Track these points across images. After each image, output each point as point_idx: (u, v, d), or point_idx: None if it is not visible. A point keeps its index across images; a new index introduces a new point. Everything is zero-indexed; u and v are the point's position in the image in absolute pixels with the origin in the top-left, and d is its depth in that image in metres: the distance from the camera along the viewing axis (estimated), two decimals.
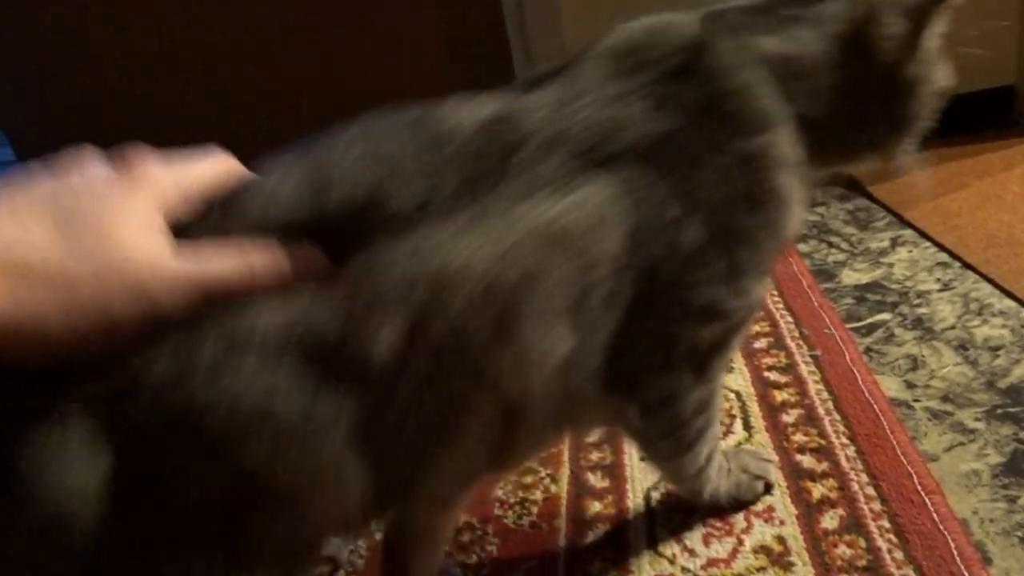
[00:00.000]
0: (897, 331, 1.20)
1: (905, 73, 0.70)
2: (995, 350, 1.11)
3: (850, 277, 1.39)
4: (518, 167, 0.56)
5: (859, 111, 0.70)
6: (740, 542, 0.85)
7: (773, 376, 1.12)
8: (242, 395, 0.49)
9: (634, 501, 0.93)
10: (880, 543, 0.82)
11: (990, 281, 1.29)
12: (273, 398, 0.50)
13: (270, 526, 0.54)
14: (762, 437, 1.00)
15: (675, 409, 0.72)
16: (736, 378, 1.12)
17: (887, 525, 0.84)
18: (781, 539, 0.84)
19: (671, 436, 0.75)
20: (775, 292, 1.34)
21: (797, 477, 0.92)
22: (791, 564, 0.81)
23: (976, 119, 1.89)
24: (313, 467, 0.53)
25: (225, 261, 0.50)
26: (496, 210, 0.54)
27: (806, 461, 0.94)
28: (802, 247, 1.53)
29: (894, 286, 1.34)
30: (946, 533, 0.81)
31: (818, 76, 0.67)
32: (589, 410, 0.70)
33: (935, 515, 0.84)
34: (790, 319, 1.25)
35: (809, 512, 0.87)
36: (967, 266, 1.35)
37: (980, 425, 0.97)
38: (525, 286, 0.55)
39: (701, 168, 0.61)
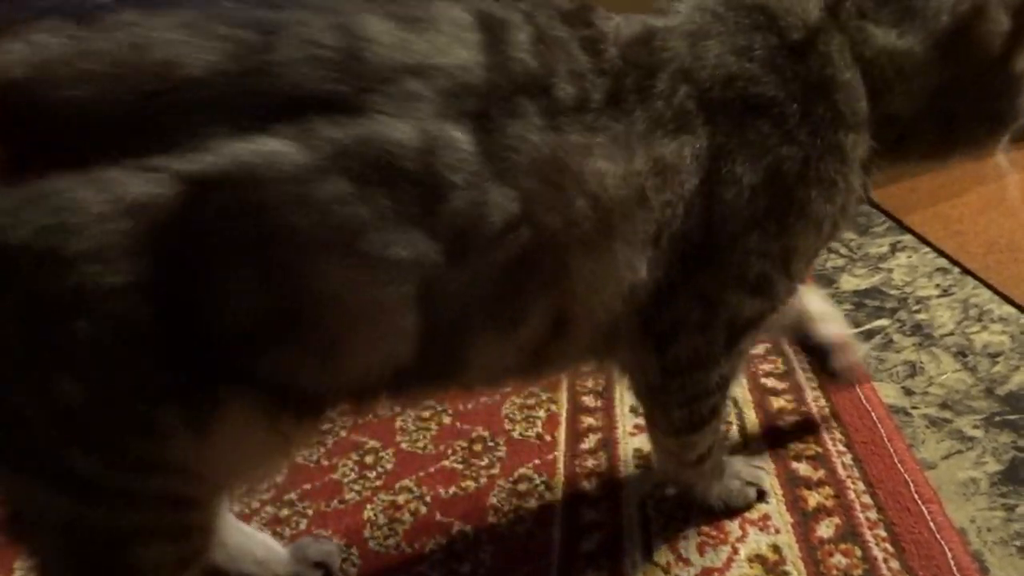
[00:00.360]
0: (896, 337, 1.20)
1: (1014, 68, 0.71)
2: (994, 357, 1.11)
3: (849, 283, 1.39)
4: (651, 95, 0.61)
5: (954, 109, 0.71)
6: (735, 551, 0.84)
7: (770, 383, 1.11)
8: (335, 214, 0.52)
9: (629, 509, 0.92)
10: (876, 552, 0.81)
11: (990, 287, 1.28)
12: (366, 226, 0.52)
13: (304, 358, 0.56)
14: (758, 443, 0.99)
15: (699, 376, 0.74)
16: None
17: (883, 534, 0.83)
18: (776, 548, 0.83)
19: (687, 406, 0.76)
20: None
21: (793, 485, 0.91)
22: (786, 573, 0.80)
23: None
24: (377, 305, 0.55)
25: None
26: (630, 133, 0.60)
27: (802, 469, 0.94)
28: None
29: (893, 292, 1.33)
30: (943, 542, 0.80)
31: (918, 75, 0.69)
32: (618, 349, 0.72)
33: (932, 524, 0.83)
34: None
35: (805, 520, 0.86)
36: (967, 272, 1.35)
37: (979, 433, 0.96)
38: (629, 209, 0.60)
39: (790, 143, 0.64)
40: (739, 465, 0.91)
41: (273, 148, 0.50)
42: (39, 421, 0.52)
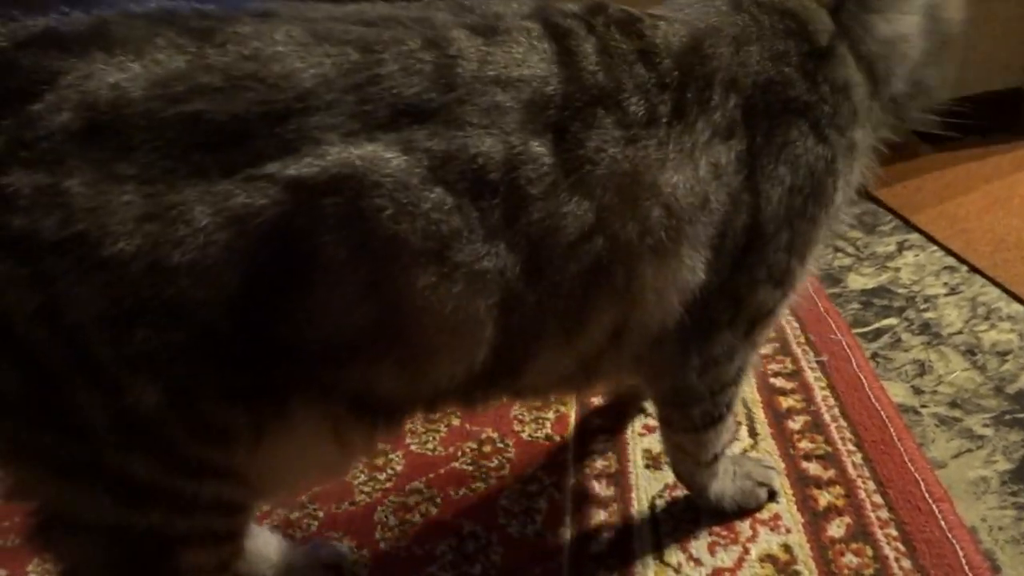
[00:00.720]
0: (904, 336, 1.20)
1: (952, 42, 0.76)
2: (1003, 355, 1.11)
3: (856, 282, 1.39)
4: (709, 107, 0.63)
5: (924, 81, 0.77)
6: (746, 551, 0.84)
7: (779, 382, 1.11)
8: (435, 223, 0.54)
9: (639, 510, 0.92)
10: (887, 551, 0.81)
11: (998, 285, 1.28)
12: (458, 236, 0.54)
13: (390, 369, 0.58)
14: (768, 444, 0.99)
15: (724, 369, 0.76)
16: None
17: (894, 533, 0.83)
18: (787, 547, 0.83)
19: (711, 399, 0.78)
20: None
21: (803, 484, 0.91)
22: (797, 573, 0.80)
23: (984, 122, 1.88)
24: (465, 315, 0.56)
25: None
26: (695, 144, 0.62)
27: (812, 468, 0.94)
28: None
29: (901, 291, 1.33)
30: (954, 541, 0.81)
31: (913, 53, 0.74)
32: (656, 357, 0.73)
33: (943, 523, 0.83)
34: (796, 324, 1.24)
35: (815, 520, 0.86)
36: (975, 270, 1.35)
37: (988, 431, 0.96)
38: (695, 214, 0.63)
39: (823, 143, 0.68)
40: (749, 466, 0.91)
41: (380, 154, 0.53)
42: (104, 426, 0.53)
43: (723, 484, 0.87)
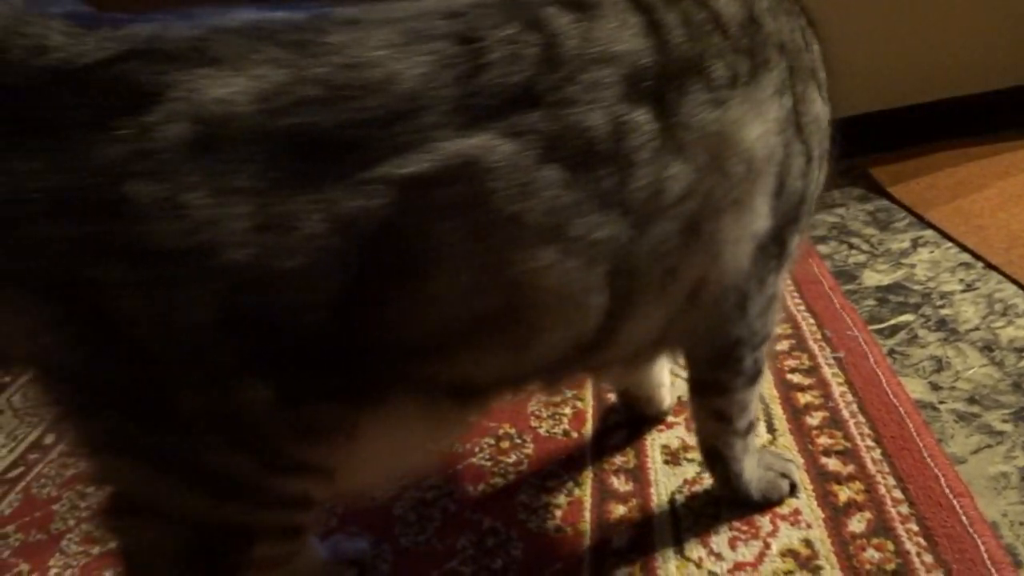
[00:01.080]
0: (920, 332, 1.19)
1: None
2: (1021, 351, 1.10)
3: (871, 278, 1.39)
4: (770, 68, 0.68)
5: None
6: (767, 545, 0.84)
7: (796, 379, 1.11)
8: (550, 201, 0.56)
9: (658, 505, 0.92)
10: (909, 546, 0.81)
11: (1014, 282, 1.28)
12: (575, 211, 0.57)
13: (496, 354, 0.60)
14: (786, 440, 1.00)
15: (772, 315, 0.80)
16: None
17: (915, 528, 0.83)
18: (808, 542, 0.84)
19: (755, 352, 0.80)
20: (795, 293, 1.33)
21: (823, 480, 0.92)
22: (819, 568, 0.80)
23: (996, 118, 1.88)
24: (579, 288, 0.59)
25: None
26: (764, 100, 0.66)
27: (831, 464, 0.94)
28: (822, 248, 1.52)
29: (916, 287, 1.33)
30: (976, 536, 0.81)
31: None
32: (716, 312, 0.74)
33: (964, 518, 0.83)
34: (812, 321, 1.25)
35: (836, 515, 0.86)
36: (990, 267, 1.34)
37: (1008, 427, 0.96)
38: (766, 165, 0.67)
39: (824, 104, 0.75)
40: (770, 458, 0.91)
41: (493, 142, 0.54)
42: (210, 426, 0.54)
43: (752, 467, 0.87)
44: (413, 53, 0.54)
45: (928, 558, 0.79)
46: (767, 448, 0.97)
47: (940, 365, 1.11)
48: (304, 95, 0.51)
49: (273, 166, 0.50)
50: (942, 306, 1.25)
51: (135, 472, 0.58)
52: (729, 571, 0.82)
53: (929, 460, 0.91)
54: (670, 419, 1.06)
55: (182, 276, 0.50)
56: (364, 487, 0.80)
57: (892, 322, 1.24)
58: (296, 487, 0.61)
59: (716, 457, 0.88)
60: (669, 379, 1.08)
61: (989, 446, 0.94)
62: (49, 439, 1.30)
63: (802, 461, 0.95)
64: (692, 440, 1.01)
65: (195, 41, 0.52)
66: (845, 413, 1.02)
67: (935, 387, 1.06)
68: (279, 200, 0.50)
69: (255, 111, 0.50)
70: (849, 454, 0.95)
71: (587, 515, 0.92)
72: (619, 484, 0.97)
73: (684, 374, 1.10)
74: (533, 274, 0.57)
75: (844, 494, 0.89)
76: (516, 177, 0.55)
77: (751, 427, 0.86)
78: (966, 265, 1.37)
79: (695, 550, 0.85)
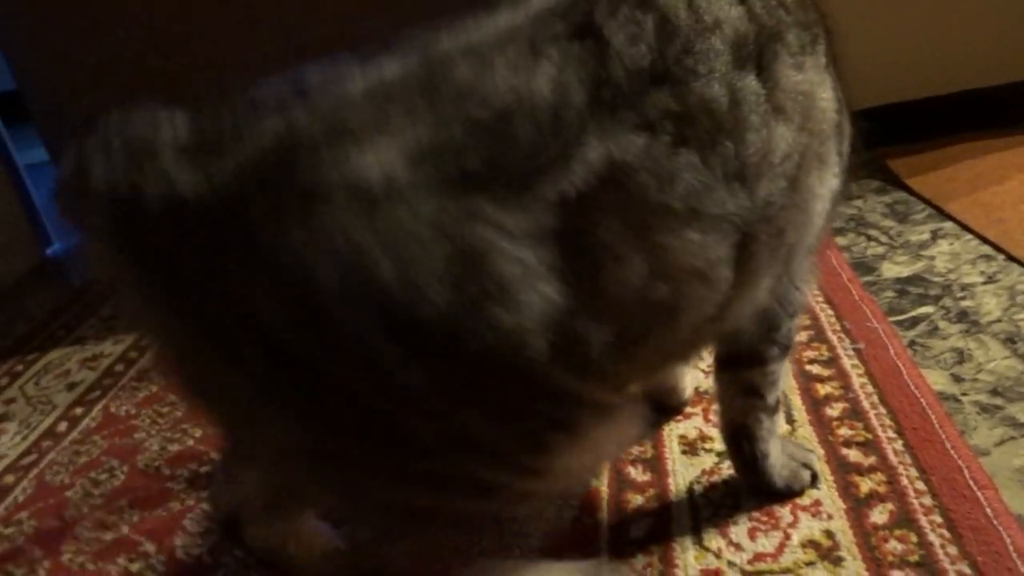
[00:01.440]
0: (941, 324, 1.18)
1: None
2: None
3: (891, 270, 1.37)
4: (818, 37, 0.69)
5: None
6: (787, 536, 0.83)
7: (815, 369, 1.10)
8: (689, 182, 0.58)
9: (677, 495, 0.91)
10: (932, 538, 0.80)
11: None
12: (709, 187, 0.59)
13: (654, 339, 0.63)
14: (806, 431, 0.98)
15: (809, 286, 0.81)
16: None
17: (939, 520, 0.82)
18: (829, 533, 0.82)
19: (793, 319, 0.80)
20: (814, 285, 1.32)
21: (844, 471, 0.90)
22: (840, 559, 0.79)
23: (1016, 111, 1.86)
24: (715, 263, 0.61)
25: None
26: (826, 66, 0.69)
27: (852, 455, 0.93)
28: (840, 240, 1.51)
29: (936, 279, 1.31)
30: (1000, 528, 0.79)
31: None
32: (785, 275, 0.75)
33: (988, 510, 0.81)
34: (831, 312, 1.23)
35: (857, 506, 0.85)
36: (1012, 259, 1.32)
37: None
38: (834, 123, 0.69)
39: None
40: (791, 447, 0.90)
41: (630, 135, 0.55)
42: (432, 444, 0.57)
43: (777, 451, 0.86)
44: (540, 64, 0.54)
45: (952, 550, 0.78)
46: (787, 439, 0.96)
47: (962, 357, 1.09)
48: (450, 140, 0.51)
49: (445, 215, 0.51)
50: (963, 298, 1.24)
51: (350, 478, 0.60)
52: (749, 562, 0.81)
53: (952, 451, 0.90)
54: (688, 409, 1.05)
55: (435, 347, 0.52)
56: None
57: (912, 314, 1.22)
58: (526, 486, 0.63)
59: (743, 436, 0.86)
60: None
61: (1013, 438, 0.93)
62: (62, 426, 1.30)
63: (822, 452, 0.93)
64: (710, 431, 1.00)
65: (327, 123, 0.51)
66: (866, 404, 1.01)
67: (957, 379, 1.05)
68: (459, 245, 0.51)
69: (412, 172, 0.50)
70: (870, 445, 0.93)
71: (605, 505, 0.91)
72: (636, 474, 0.95)
73: (702, 364, 1.09)
74: (682, 258, 0.59)
75: (866, 485, 0.88)
76: (663, 165, 0.56)
77: (778, 405, 0.85)
78: (987, 257, 1.35)
79: (714, 540, 0.84)
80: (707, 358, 0.96)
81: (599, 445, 0.63)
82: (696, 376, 1.10)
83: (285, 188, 0.50)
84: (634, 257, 0.57)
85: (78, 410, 1.35)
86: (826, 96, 0.68)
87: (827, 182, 0.71)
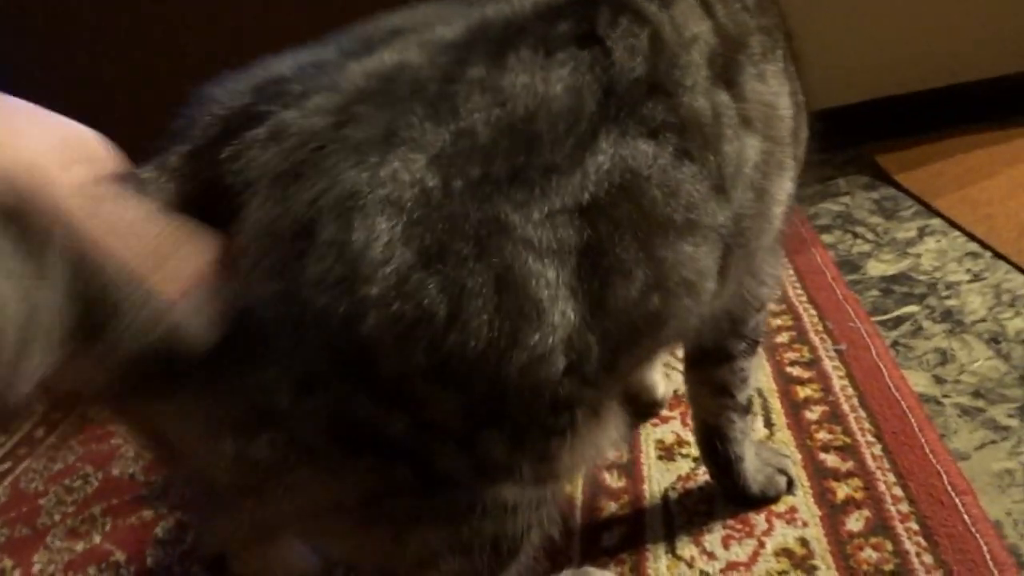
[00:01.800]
0: (925, 324, 1.16)
1: None
2: None
3: (876, 268, 1.35)
4: (777, 43, 0.70)
5: None
6: (761, 544, 0.82)
7: (796, 371, 1.08)
8: (688, 194, 0.58)
9: (651, 502, 0.90)
10: (908, 546, 0.78)
11: (1023, 271, 1.25)
12: (703, 199, 0.59)
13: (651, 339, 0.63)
14: (784, 435, 0.97)
15: (775, 280, 0.81)
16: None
17: (915, 527, 0.80)
18: (804, 541, 0.81)
19: (757, 316, 0.80)
20: (797, 284, 1.30)
21: (821, 477, 0.89)
22: (814, 568, 0.78)
23: (1005, 105, 1.84)
24: (703, 273, 0.61)
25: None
26: (784, 71, 0.70)
27: (830, 460, 0.91)
28: (826, 238, 1.49)
29: (922, 277, 1.30)
30: (978, 535, 0.78)
31: None
32: (746, 277, 0.75)
33: (966, 517, 0.80)
34: (813, 312, 1.22)
35: (833, 513, 0.84)
36: (998, 256, 1.31)
37: (1013, 422, 0.93)
38: (790, 128, 0.70)
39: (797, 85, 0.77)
40: (766, 453, 0.89)
41: (639, 146, 0.56)
42: (461, 473, 0.56)
43: (752, 454, 0.85)
44: (554, 69, 0.54)
45: (928, 558, 0.77)
46: (763, 443, 0.95)
47: (945, 358, 1.08)
48: (472, 147, 0.50)
49: (470, 225, 0.49)
50: (948, 297, 1.22)
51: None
52: (722, 571, 0.80)
53: (931, 456, 0.89)
54: (665, 413, 1.04)
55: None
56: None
57: (896, 313, 1.21)
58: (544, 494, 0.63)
59: (716, 437, 0.85)
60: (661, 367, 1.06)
61: (994, 442, 0.91)
62: (39, 432, 1.29)
63: (800, 457, 0.92)
64: (687, 435, 0.99)
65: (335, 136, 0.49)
66: (845, 407, 0.99)
67: (939, 380, 1.03)
68: (491, 269, 0.50)
69: (438, 177, 0.49)
70: (848, 450, 0.92)
71: (577, 512, 0.90)
72: (611, 480, 0.94)
73: (680, 367, 1.08)
74: (678, 267, 0.59)
75: (842, 491, 0.86)
76: (668, 176, 0.57)
77: (751, 405, 0.84)
78: (973, 255, 1.33)
79: (687, 549, 0.83)
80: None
81: (591, 448, 0.63)
82: (674, 379, 1.08)
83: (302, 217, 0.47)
84: (638, 271, 0.57)
85: (56, 415, 1.34)
86: (784, 104, 0.69)
87: (785, 187, 0.71)
